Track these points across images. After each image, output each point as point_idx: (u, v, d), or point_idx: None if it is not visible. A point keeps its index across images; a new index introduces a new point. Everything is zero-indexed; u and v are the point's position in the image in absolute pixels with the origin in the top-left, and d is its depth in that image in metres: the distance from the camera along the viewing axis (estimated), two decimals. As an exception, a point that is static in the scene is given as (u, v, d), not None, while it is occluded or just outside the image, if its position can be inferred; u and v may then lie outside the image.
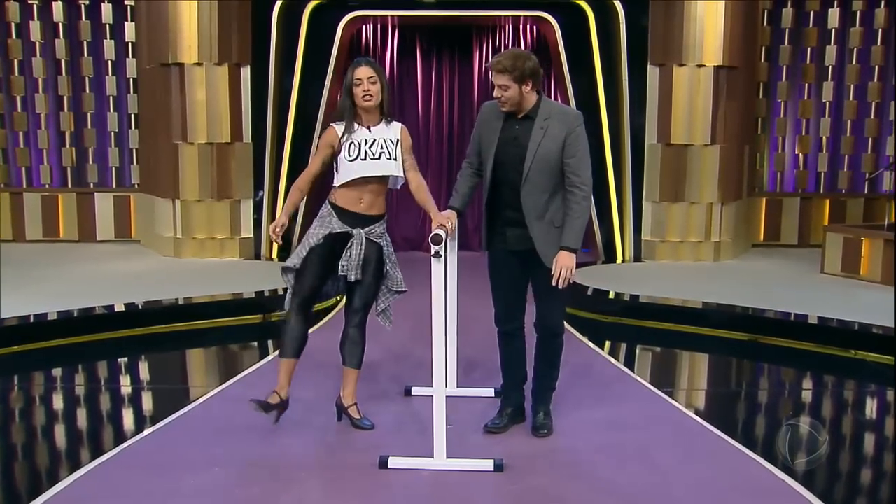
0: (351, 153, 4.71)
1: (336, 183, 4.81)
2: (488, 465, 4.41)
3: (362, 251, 4.78)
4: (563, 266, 4.51)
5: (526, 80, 4.53)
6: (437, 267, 4.35)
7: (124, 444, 4.77)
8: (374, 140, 4.74)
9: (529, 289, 4.90)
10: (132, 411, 5.80)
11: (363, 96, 4.69)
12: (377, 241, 4.86)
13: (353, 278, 4.79)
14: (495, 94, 4.58)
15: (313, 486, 4.29)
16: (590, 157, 4.62)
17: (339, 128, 4.78)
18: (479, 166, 4.87)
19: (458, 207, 4.91)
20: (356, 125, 4.76)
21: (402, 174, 4.85)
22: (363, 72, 4.70)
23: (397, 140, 4.81)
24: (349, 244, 4.78)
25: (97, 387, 6.42)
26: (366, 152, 4.71)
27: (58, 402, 6.00)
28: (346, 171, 4.73)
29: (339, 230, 4.80)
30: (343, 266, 4.79)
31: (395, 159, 4.78)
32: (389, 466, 4.40)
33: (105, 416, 5.69)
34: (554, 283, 4.53)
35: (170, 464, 4.48)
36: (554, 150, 4.54)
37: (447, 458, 4.42)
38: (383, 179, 4.82)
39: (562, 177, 4.58)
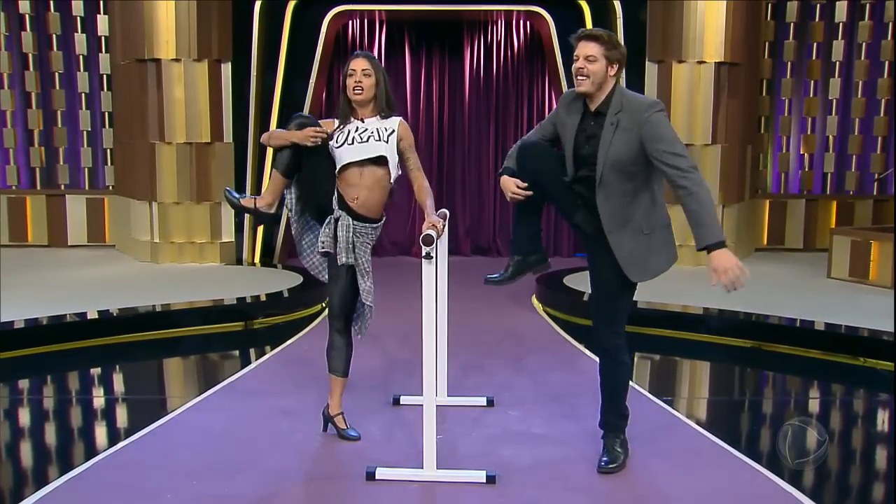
0: (339, 140, 4.62)
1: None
2: (480, 476, 4.31)
3: (350, 235, 4.60)
4: (725, 269, 3.84)
5: (614, 63, 4.10)
6: (428, 270, 4.20)
7: (96, 459, 4.62)
8: (366, 129, 4.64)
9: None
10: (105, 424, 5.64)
11: (353, 88, 4.62)
12: (355, 237, 4.66)
13: (343, 260, 4.61)
14: (578, 65, 4.09)
15: (297, 499, 4.20)
16: (681, 141, 4.09)
17: (337, 122, 4.74)
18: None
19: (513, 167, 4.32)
20: (350, 119, 4.69)
21: (394, 157, 4.64)
22: (358, 63, 4.64)
23: (393, 130, 4.66)
24: (329, 220, 4.63)
25: (67, 398, 6.26)
26: (353, 138, 4.61)
27: (24, 416, 5.81)
28: (337, 159, 4.62)
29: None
30: (323, 243, 4.62)
31: (386, 142, 4.61)
32: (377, 478, 4.31)
33: (76, 430, 5.52)
34: (727, 290, 3.89)
35: (145, 477, 4.36)
36: (625, 149, 4.03)
37: (437, 469, 4.33)
38: (377, 170, 4.63)
39: (644, 175, 4.10)
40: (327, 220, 4.61)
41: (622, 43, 4.20)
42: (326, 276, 4.78)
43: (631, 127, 4.03)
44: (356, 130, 4.61)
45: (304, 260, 4.83)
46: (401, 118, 4.72)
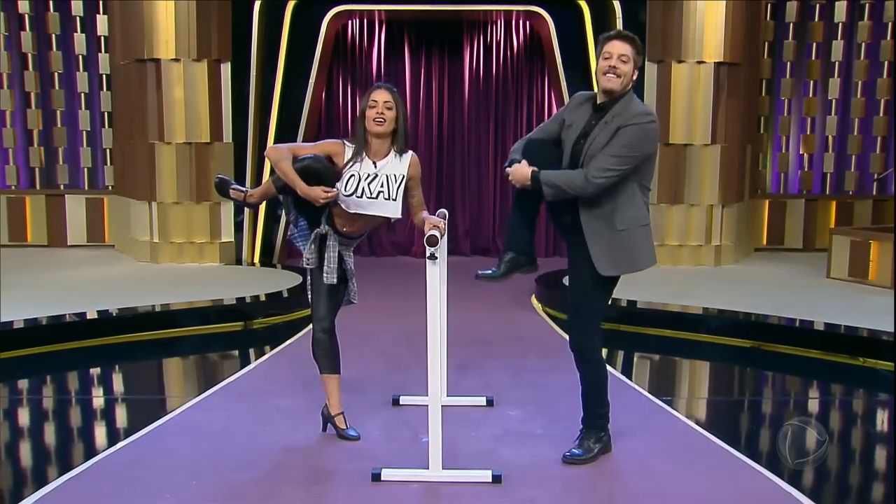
0: (348, 188, 4.55)
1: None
2: (486, 476, 4.31)
3: (336, 254, 4.68)
4: (518, 173, 4.21)
5: (637, 66, 4.23)
6: (432, 270, 4.17)
7: (95, 458, 4.62)
8: (376, 176, 4.58)
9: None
10: (105, 423, 5.63)
11: (374, 119, 4.55)
12: (342, 249, 4.74)
13: (333, 280, 4.67)
14: (611, 64, 4.16)
15: (297, 499, 4.15)
16: (630, 162, 4.13)
17: (348, 150, 4.63)
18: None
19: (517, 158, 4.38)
20: (364, 154, 4.60)
21: (398, 215, 4.65)
22: (380, 95, 4.58)
23: (402, 177, 4.61)
24: (315, 237, 4.67)
25: (67, 398, 6.24)
26: (363, 190, 4.55)
27: (24, 416, 5.80)
28: (342, 201, 4.58)
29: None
30: (308, 259, 4.69)
31: (395, 200, 4.59)
32: (383, 479, 4.29)
33: (75, 429, 5.52)
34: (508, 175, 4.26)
35: (144, 478, 4.34)
36: (605, 144, 4.15)
37: (442, 469, 4.31)
38: (375, 220, 4.73)
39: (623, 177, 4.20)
40: (313, 237, 4.64)
41: None
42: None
43: (613, 128, 4.14)
44: (366, 179, 4.54)
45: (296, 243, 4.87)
46: (412, 153, 4.68)
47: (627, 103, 4.20)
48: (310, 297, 4.80)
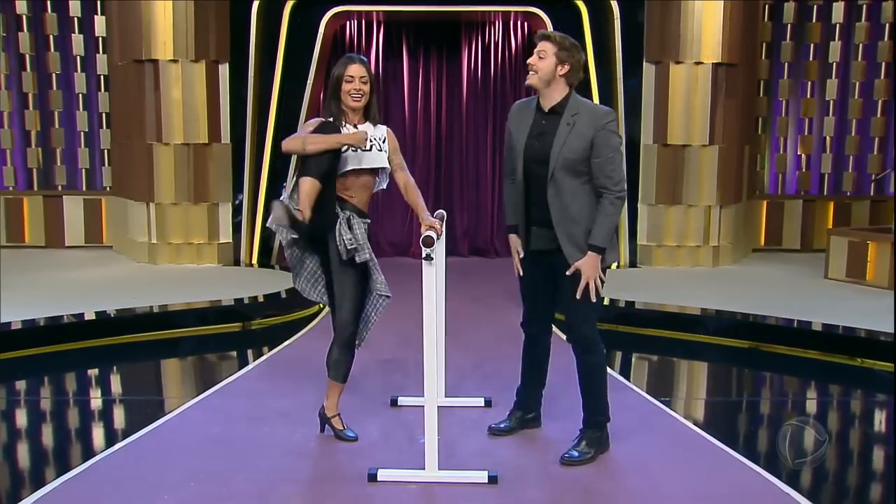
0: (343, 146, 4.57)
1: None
2: (482, 476, 4.32)
3: (365, 229, 4.60)
4: (588, 276, 4.39)
5: (564, 63, 4.37)
6: (428, 271, 4.18)
7: (93, 459, 4.63)
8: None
9: None
10: (103, 425, 5.67)
11: (352, 94, 4.60)
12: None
13: (366, 257, 4.55)
14: (529, 60, 4.43)
15: (296, 501, 4.20)
16: (622, 156, 4.44)
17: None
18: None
19: (514, 223, 4.70)
20: (344, 123, 4.66)
21: (387, 165, 4.72)
22: (356, 70, 4.63)
23: (384, 138, 4.72)
24: (341, 222, 4.54)
25: (65, 399, 6.24)
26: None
27: (22, 417, 5.81)
28: (343, 159, 4.58)
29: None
30: (351, 240, 4.52)
31: (384, 151, 4.69)
32: (379, 479, 4.31)
33: (73, 431, 5.52)
34: (579, 296, 4.41)
35: (142, 479, 4.36)
36: (580, 148, 4.33)
37: (439, 470, 4.33)
38: (372, 175, 4.72)
39: (590, 176, 4.39)
40: (338, 223, 4.52)
41: (578, 48, 4.41)
42: (326, 298, 4.77)
43: (587, 131, 4.32)
44: None
45: (303, 288, 4.83)
46: (386, 126, 4.79)
47: (578, 102, 4.40)
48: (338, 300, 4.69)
